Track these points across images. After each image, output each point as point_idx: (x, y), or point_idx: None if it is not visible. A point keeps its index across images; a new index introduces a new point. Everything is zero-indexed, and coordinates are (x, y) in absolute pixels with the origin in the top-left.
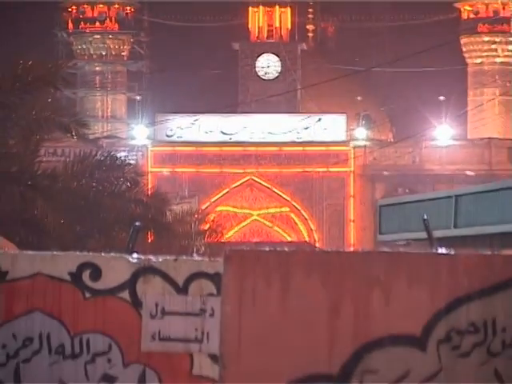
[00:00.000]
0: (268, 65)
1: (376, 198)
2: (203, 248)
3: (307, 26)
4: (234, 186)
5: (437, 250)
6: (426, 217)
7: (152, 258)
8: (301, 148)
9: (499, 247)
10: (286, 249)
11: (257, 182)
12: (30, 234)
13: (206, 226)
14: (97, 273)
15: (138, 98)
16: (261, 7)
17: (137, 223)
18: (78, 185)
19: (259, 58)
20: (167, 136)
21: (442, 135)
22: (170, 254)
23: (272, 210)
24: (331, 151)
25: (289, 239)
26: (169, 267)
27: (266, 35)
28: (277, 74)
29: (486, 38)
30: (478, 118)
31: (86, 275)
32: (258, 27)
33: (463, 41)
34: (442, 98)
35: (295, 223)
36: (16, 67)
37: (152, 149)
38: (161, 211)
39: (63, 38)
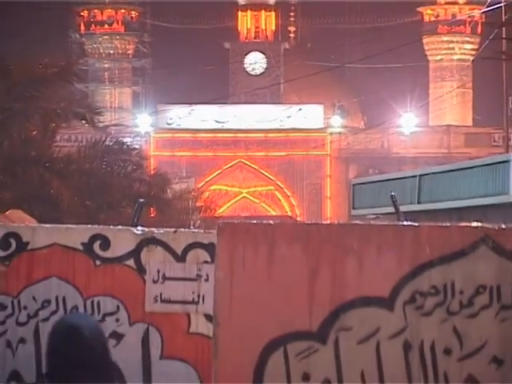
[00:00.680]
0: (255, 61)
1: (349, 177)
2: (199, 222)
3: (289, 28)
4: (225, 167)
5: (403, 222)
6: (393, 194)
7: (154, 230)
8: (284, 134)
9: (457, 220)
10: (271, 222)
11: (245, 164)
12: (48, 209)
13: (202, 203)
14: (106, 243)
15: (142, 90)
16: (249, 11)
17: (141, 200)
18: (89, 167)
19: (247, 56)
20: (167, 124)
21: (407, 123)
22: (170, 226)
23: (259, 189)
24: (310, 137)
25: (274, 214)
26: (169, 238)
27: (253, 36)
28: (263, 70)
29: (445, 38)
30: (438, 108)
31: (96, 245)
32: (247, 29)
33: (425, 40)
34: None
35: (279, 200)
36: (35, 64)
37: (154, 135)
38: (162, 189)
39: (76, 39)
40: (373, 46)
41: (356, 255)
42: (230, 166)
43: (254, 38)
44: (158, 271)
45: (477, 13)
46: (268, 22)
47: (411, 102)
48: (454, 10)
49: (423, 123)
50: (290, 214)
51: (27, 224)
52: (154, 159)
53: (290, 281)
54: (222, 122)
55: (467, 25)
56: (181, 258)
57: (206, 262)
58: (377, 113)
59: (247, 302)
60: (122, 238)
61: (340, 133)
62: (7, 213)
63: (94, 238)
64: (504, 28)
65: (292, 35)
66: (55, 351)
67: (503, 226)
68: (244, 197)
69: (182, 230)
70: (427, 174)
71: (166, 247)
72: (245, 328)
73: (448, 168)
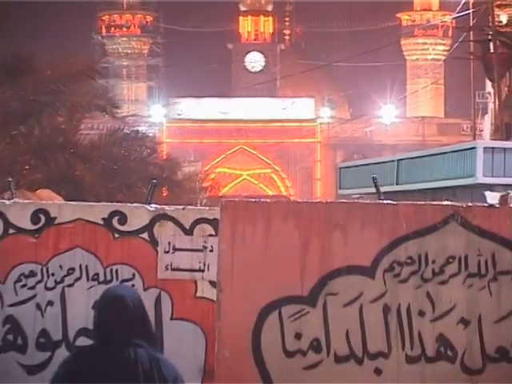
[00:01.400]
0: (254, 60)
1: (337, 161)
2: (205, 200)
3: (284, 31)
4: (228, 152)
5: (383, 201)
6: (374, 176)
7: (166, 207)
8: (279, 124)
9: (430, 199)
10: (268, 200)
11: (246, 150)
12: (73, 189)
13: (207, 184)
14: (123, 218)
15: (155, 85)
16: (249, 16)
17: (154, 181)
18: (109, 152)
19: (247, 55)
20: (177, 115)
21: (387, 114)
22: (180, 204)
23: (257, 171)
24: (303, 126)
25: (270, 193)
26: (178, 214)
27: (253, 38)
28: (261, 68)
29: (421, 40)
30: (414, 101)
31: (115, 220)
32: (247, 32)
33: (403, 42)
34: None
35: (275, 181)
36: (63, 62)
37: (166, 124)
38: (173, 172)
39: (98, 40)
40: (357, 46)
41: (342, 229)
42: (233, 152)
43: (254, 40)
44: (169, 243)
45: (448, 18)
46: (266, 25)
47: (391, 96)
48: (429, 16)
49: (401, 115)
50: (284, 193)
51: (55, 201)
52: (166, 145)
53: (284, 252)
54: (226, 113)
55: (440, 29)
56: (189, 232)
57: (210, 235)
58: (361, 105)
59: (247, 271)
60: (138, 214)
61: (329, 123)
62: (37, 192)
63: (113, 213)
64: (472, 32)
65: (287, 37)
66: (103, 317)
67: (470, 204)
68: (244, 179)
69: (190, 207)
70: (404, 159)
71: (176, 222)
72: (244, 293)
73: (423, 154)
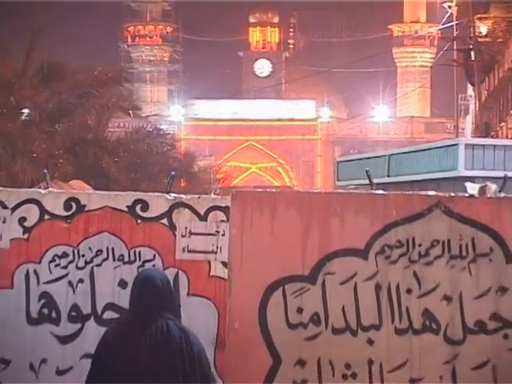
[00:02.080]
0: (262, 66)
1: (335, 156)
2: (218, 190)
3: (289, 40)
4: (239, 148)
5: (375, 191)
6: (368, 169)
7: (183, 196)
8: (284, 123)
9: (417, 189)
10: (273, 190)
11: (255, 145)
12: (101, 180)
13: (220, 176)
14: (145, 206)
15: (175, 88)
16: (258, 27)
17: (173, 173)
18: (133, 147)
19: (256, 62)
20: (194, 115)
21: (380, 114)
22: (195, 193)
23: (265, 165)
24: (305, 125)
25: (276, 184)
26: (194, 202)
27: (261, 46)
28: (268, 73)
29: (410, 49)
30: (404, 103)
31: (138, 208)
32: (256, 41)
33: (394, 51)
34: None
35: (280, 173)
36: (93, 69)
37: (184, 123)
38: (190, 165)
39: (124, 48)
40: (354, 54)
41: (339, 216)
42: (243, 147)
43: (262, 48)
44: (186, 228)
45: (434, 30)
46: (273, 35)
47: (383, 98)
48: (417, 27)
49: (392, 115)
50: (289, 184)
51: (85, 191)
52: (183, 142)
53: (288, 236)
54: (237, 113)
55: (427, 39)
56: (203, 218)
57: (222, 221)
58: (356, 106)
59: (254, 253)
60: (158, 202)
61: (328, 122)
62: (70, 182)
63: (136, 201)
64: (455, 42)
65: (291, 46)
66: (137, 293)
67: (452, 195)
68: (253, 171)
69: (205, 196)
70: (395, 154)
71: (192, 209)
72: (252, 272)
73: (411, 149)
